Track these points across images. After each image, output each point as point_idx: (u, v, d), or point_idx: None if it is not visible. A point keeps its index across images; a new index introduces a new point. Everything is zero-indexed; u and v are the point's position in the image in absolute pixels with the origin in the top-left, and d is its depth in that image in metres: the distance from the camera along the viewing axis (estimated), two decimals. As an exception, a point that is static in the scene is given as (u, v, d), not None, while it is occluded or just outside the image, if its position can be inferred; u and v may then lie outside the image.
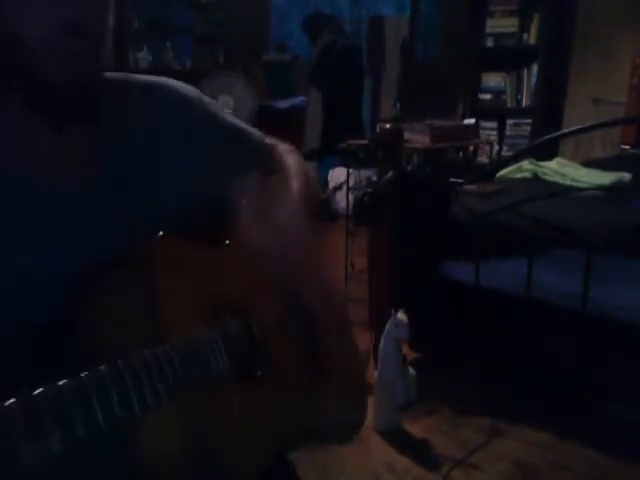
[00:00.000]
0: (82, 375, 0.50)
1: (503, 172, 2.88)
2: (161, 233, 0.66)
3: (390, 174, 2.22)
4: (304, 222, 0.77)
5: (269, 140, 0.89)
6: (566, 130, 3.10)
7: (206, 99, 0.82)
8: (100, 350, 0.56)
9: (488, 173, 2.87)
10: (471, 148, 4.22)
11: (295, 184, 0.81)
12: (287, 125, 4.89)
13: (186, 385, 0.59)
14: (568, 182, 2.59)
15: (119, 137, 0.70)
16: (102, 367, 0.52)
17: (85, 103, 0.63)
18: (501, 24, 4.44)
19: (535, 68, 4.33)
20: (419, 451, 1.92)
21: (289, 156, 0.88)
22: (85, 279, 0.59)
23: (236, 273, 0.73)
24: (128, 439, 0.55)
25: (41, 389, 0.47)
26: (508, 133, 4.51)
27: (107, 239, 0.63)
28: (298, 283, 0.77)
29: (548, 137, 2.75)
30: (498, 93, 4.56)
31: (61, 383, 0.49)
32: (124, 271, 0.61)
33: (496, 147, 4.41)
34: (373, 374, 2.04)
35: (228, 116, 0.84)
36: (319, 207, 0.87)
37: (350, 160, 3.57)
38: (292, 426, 0.73)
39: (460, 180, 2.48)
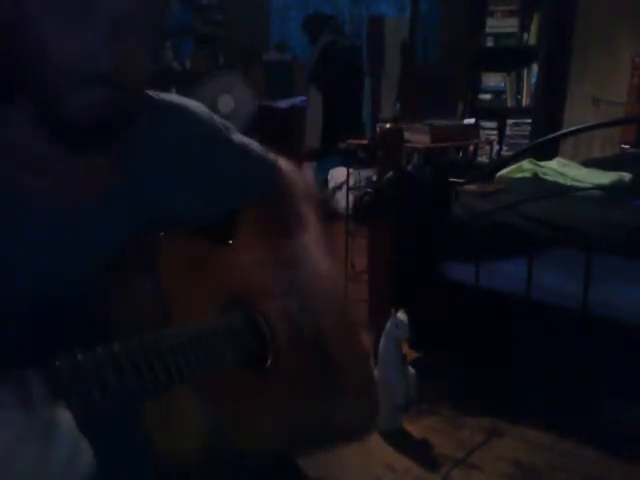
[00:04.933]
0: (115, 346, 0.53)
1: (503, 172, 2.87)
2: (171, 232, 0.70)
3: (390, 174, 2.22)
4: (312, 234, 0.85)
5: (272, 155, 0.94)
6: (566, 130, 3.09)
7: (217, 118, 0.86)
8: (115, 332, 0.59)
9: (488, 173, 2.87)
10: (471, 148, 4.22)
11: (299, 199, 0.90)
12: (287, 125, 4.89)
13: (200, 369, 0.61)
14: (568, 182, 2.58)
15: (134, 157, 0.72)
16: (131, 342, 0.55)
17: (103, 139, 0.65)
18: (501, 24, 4.44)
19: (535, 68, 4.33)
20: (419, 451, 1.92)
21: (291, 171, 0.95)
22: (102, 271, 0.62)
23: (243, 271, 0.77)
24: (143, 424, 0.58)
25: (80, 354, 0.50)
26: (508, 133, 4.51)
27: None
28: (305, 283, 0.81)
29: (548, 137, 2.74)
30: (498, 93, 4.56)
31: (98, 351, 0.51)
32: (136, 266, 0.65)
33: (496, 147, 4.42)
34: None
35: (237, 135, 0.89)
36: (324, 216, 0.95)
37: (350, 160, 3.57)
38: (302, 420, 0.74)
39: (460, 180, 2.48)
